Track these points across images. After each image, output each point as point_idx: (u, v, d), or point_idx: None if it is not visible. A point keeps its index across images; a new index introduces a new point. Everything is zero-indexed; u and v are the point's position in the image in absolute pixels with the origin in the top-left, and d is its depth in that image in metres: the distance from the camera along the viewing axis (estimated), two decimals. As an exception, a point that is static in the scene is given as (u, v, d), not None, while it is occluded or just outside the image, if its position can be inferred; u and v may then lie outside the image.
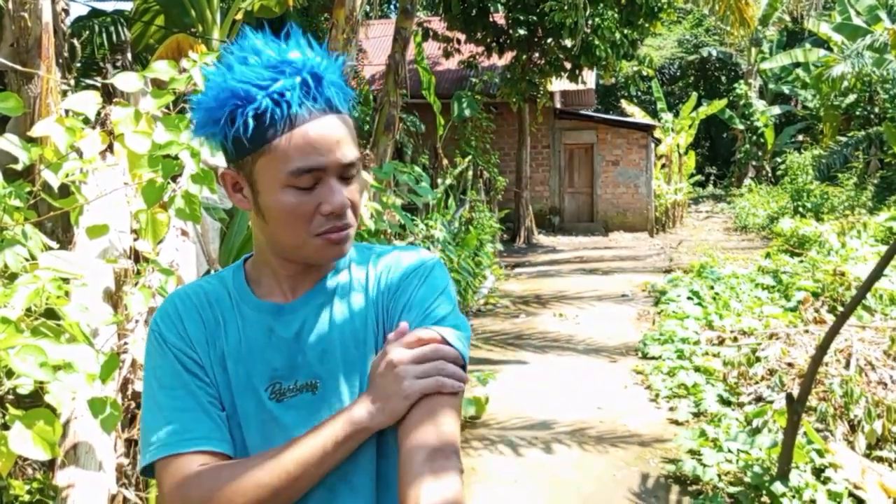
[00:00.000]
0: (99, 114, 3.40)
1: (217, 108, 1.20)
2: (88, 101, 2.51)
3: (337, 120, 1.22)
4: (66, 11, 4.13)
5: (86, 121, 2.64)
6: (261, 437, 1.26)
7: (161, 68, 2.51)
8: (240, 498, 1.16)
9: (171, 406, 1.24)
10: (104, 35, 9.17)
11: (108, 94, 3.85)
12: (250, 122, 1.18)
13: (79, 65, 9.06)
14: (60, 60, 3.96)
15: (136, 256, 3.10)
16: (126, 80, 2.55)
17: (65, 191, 2.95)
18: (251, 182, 1.24)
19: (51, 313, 2.20)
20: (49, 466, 2.68)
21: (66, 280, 2.23)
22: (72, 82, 4.17)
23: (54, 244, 2.93)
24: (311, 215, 1.22)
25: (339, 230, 1.24)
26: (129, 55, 4.69)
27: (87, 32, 9.07)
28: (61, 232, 3.38)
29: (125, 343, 2.86)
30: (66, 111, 2.63)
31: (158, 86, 2.66)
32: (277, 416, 1.26)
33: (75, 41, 3.86)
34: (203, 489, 1.18)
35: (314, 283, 1.33)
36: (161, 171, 2.41)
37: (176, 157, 2.41)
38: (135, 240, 3.02)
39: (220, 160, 2.50)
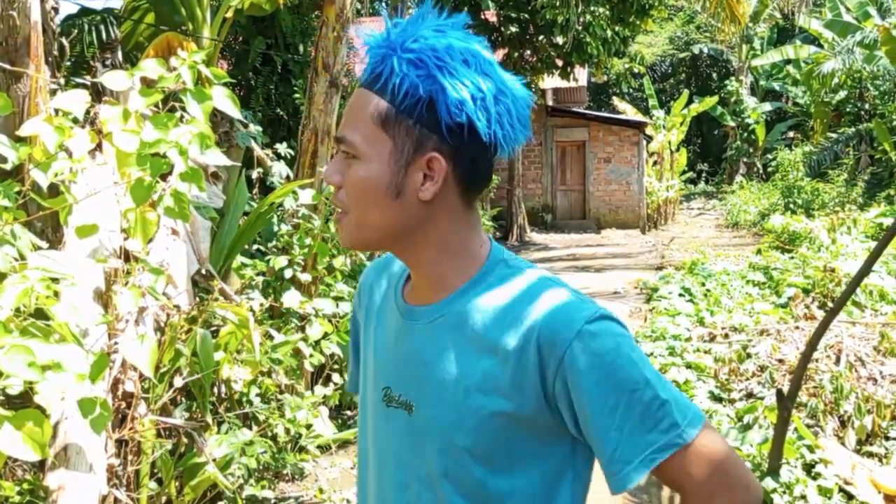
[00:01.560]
0: (88, 112, 3.39)
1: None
2: (77, 100, 2.50)
3: (362, 94, 1.16)
4: (56, 10, 4.11)
5: (75, 120, 2.63)
6: (372, 426, 1.28)
7: (150, 66, 2.50)
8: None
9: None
10: (94, 33, 9.13)
11: (98, 93, 3.84)
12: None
13: (68, 63, 9.01)
14: (50, 59, 3.94)
15: (127, 256, 3.09)
16: (115, 79, 2.54)
17: (54, 190, 2.94)
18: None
19: (40, 313, 2.19)
20: (39, 467, 2.67)
21: (55, 280, 2.22)
22: (61, 81, 4.15)
23: (44, 244, 2.92)
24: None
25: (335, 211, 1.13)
26: (119, 54, 4.67)
27: (77, 31, 9.02)
28: (51, 231, 3.37)
29: (115, 343, 2.86)
30: (56, 110, 2.62)
31: (148, 84, 2.65)
32: (384, 418, 1.25)
33: (64, 40, 3.84)
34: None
35: (438, 295, 1.20)
36: (149, 169, 2.40)
37: (164, 156, 2.40)
38: (125, 239, 3.01)
39: (208, 158, 2.50)
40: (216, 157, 2.53)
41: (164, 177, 2.59)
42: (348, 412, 5.60)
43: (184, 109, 2.53)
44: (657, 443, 1.10)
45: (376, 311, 1.31)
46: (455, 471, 1.16)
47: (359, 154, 1.13)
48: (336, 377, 5.12)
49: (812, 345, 3.94)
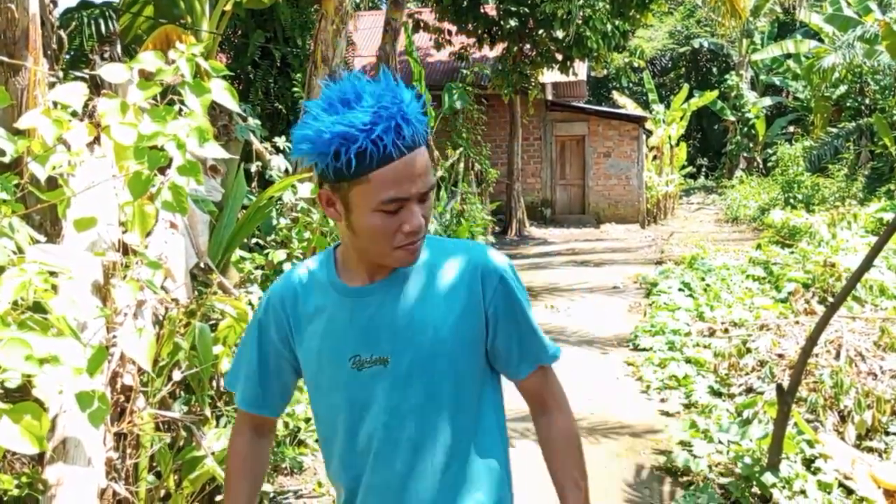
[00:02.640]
0: (86, 106, 3.37)
1: (324, 144, 1.41)
2: (75, 93, 2.49)
3: (419, 154, 1.45)
4: (55, 2, 4.09)
5: (74, 113, 2.62)
6: (347, 398, 1.58)
7: (148, 59, 2.49)
8: None
9: None
10: (93, 26, 9.10)
11: (97, 86, 3.82)
12: (353, 159, 1.40)
13: (67, 56, 8.98)
14: (48, 52, 3.93)
15: (125, 249, 3.08)
16: (113, 72, 2.53)
17: (52, 183, 2.93)
18: (346, 202, 1.48)
19: (38, 307, 2.18)
20: (38, 461, 2.67)
21: (53, 273, 2.22)
22: (60, 74, 4.14)
23: (42, 237, 2.91)
24: (394, 233, 1.47)
25: (414, 244, 1.50)
26: (118, 47, 4.66)
27: (75, 24, 9.00)
28: (49, 225, 3.36)
29: (114, 336, 2.85)
30: (54, 103, 2.61)
31: (146, 77, 2.64)
32: (359, 382, 1.57)
33: (62, 32, 3.82)
34: None
35: (388, 272, 1.58)
36: (147, 162, 2.39)
37: (162, 149, 2.39)
38: (123, 232, 3.00)
39: (207, 151, 2.49)
40: (214, 151, 2.51)
41: (162, 170, 2.59)
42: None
43: (182, 102, 2.53)
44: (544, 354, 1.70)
45: (310, 314, 1.62)
46: (437, 394, 1.56)
47: (433, 192, 1.52)
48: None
49: (812, 340, 3.93)
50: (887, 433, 4.61)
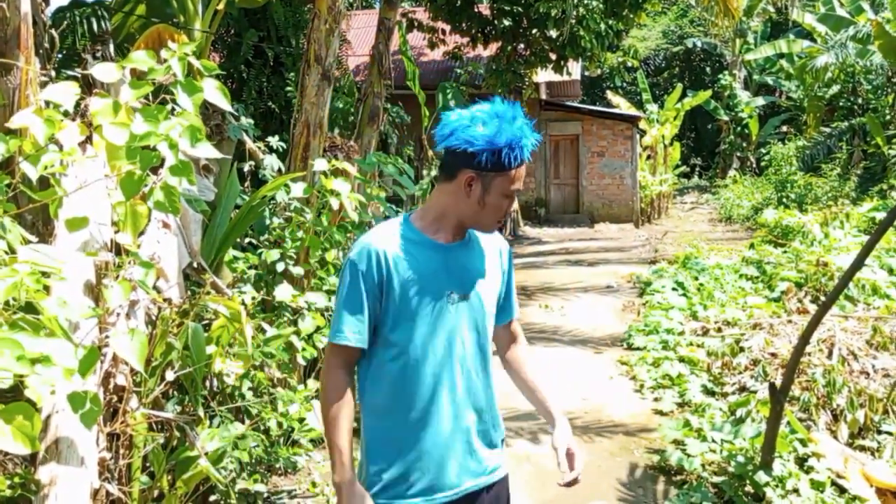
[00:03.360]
0: (78, 105, 3.36)
1: (498, 143, 2.05)
2: (67, 92, 2.48)
3: (524, 164, 2.15)
4: (46, 1, 4.08)
5: (66, 113, 2.61)
6: (443, 324, 2.18)
7: (140, 58, 2.48)
8: None
9: None
10: (85, 25, 9.07)
11: (89, 85, 3.81)
12: (514, 158, 2.08)
13: (59, 56, 8.94)
14: (40, 51, 3.91)
15: (118, 249, 3.07)
16: (104, 71, 2.52)
17: (44, 183, 2.91)
18: (486, 186, 2.11)
19: (30, 307, 2.17)
20: (31, 461, 2.66)
21: (45, 274, 2.21)
22: (52, 73, 4.13)
23: (33, 237, 2.90)
24: (497, 211, 2.16)
25: (501, 220, 2.22)
26: (111, 46, 4.65)
27: (67, 23, 8.97)
28: (41, 225, 3.35)
29: (106, 336, 2.84)
30: (46, 102, 2.60)
31: (138, 76, 2.63)
32: (448, 312, 2.18)
33: (54, 31, 3.81)
34: None
35: (463, 236, 2.25)
36: (140, 162, 2.39)
37: (154, 149, 2.39)
38: (115, 232, 2.99)
39: (199, 151, 2.48)
40: (207, 151, 2.51)
41: (154, 169, 2.58)
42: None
43: (174, 101, 2.52)
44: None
45: (405, 261, 2.15)
46: (485, 323, 2.28)
47: None
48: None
49: (804, 338, 3.94)
50: (879, 432, 4.63)
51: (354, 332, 2.15)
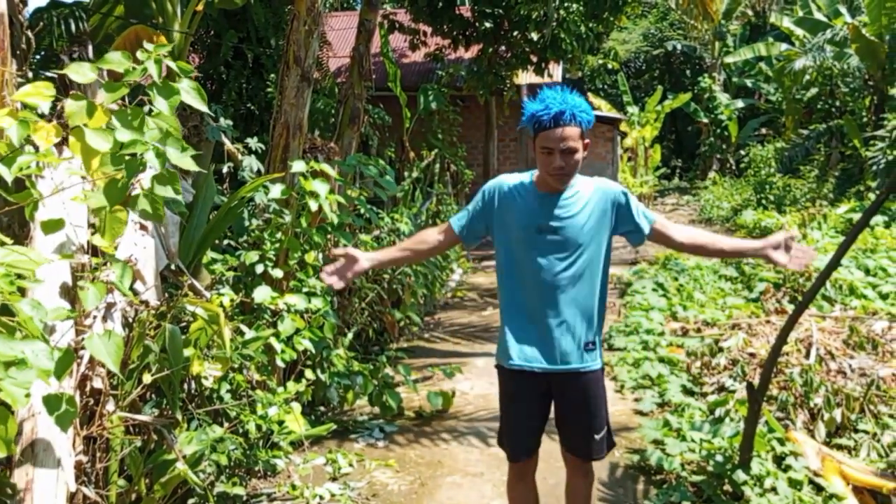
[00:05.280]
0: (55, 106, 3.33)
1: (528, 117, 2.90)
2: (42, 94, 2.46)
3: (566, 128, 2.84)
4: (24, 2, 4.04)
5: (42, 114, 2.58)
6: (528, 249, 2.99)
7: (115, 60, 2.47)
8: None
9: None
10: (63, 26, 9.00)
11: (66, 87, 3.78)
12: (535, 125, 2.88)
13: (37, 57, 8.87)
14: (17, 52, 3.87)
15: (94, 251, 3.05)
16: (79, 72, 2.51)
17: (20, 185, 2.89)
18: (535, 145, 2.91)
19: (5, 309, 2.16)
20: (6, 464, 2.63)
21: (20, 276, 2.19)
22: (29, 74, 4.09)
23: (9, 240, 2.87)
24: (546, 166, 2.89)
25: (557, 175, 2.89)
26: (89, 47, 4.60)
27: (43, 23, 8.89)
28: (17, 227, 3.32)
29: (82, 339, 2.82)
30: (22, 104, 2.57)
31: (115, 78, 2.62)
32: (538, 241, 2.97)
33: (30, 33, 3.77)
34: None
35: (562, 188, 2.97)
36: (125, 170, 2.38)
37: (141, 156, 2.38)
38: (92, 234, 2.97)
39: (181, 162, 2.47)
40: (188, 163, 2.49)
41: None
42: (321, 408, 5.58)
43: (150, 101, 2.50)
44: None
45: (515, 198, 3.03)
46: (575, 255, 2.98)
47: (575, 152, 2.90)
48: (308, 373, 5.09)
49: (781, 338, 3.97)
50: (856, 430, 4.67)
51: (462, 226, 3.17)
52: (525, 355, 3.03)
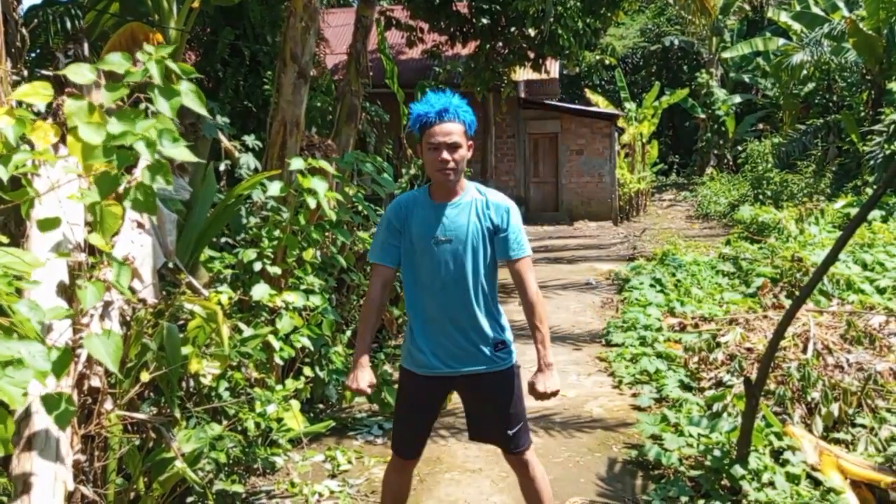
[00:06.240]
0: (51, 105, 3.33)
1: (414, 118, 3.07)
2: (39, 93, 2.45)
3: (449, 124, 3.02)
4: (19, 0, 4.04)
5: (38, 112, 2.58)
6: (427, 258, 3.09)
7: (115, 61, 2.46)
8: None
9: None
10: (58, 24, 8.97)
11: (61, 85, 3.77)
12: (420, 125, 3.05)
13: (33, 55, 8.84)
14: (12, 50, 3.87)
15: (91, 249, 3.05)
16: (78, 72, 2.50)
17: (16, 183, 2.89)
18: (422, 146, 3.06)
19: (2, 310, 2.15)
20: (4, 464, 2.63)
21: (18, 277, 2.19)
22: (24, 72, 4.08)
23: (5, 239, 2.87)
24: (433, 162, 3.02)
25: (443, 171, 3.02)
26: (84, 45, 4.60)
27: (38, 20, 8.86)
28: (13, 226, 3.31)
29: (80, 338, 2.82)
30: (18, 102, 2.57)
31: (113, 77, 2.61)
32: (434, 251, 3.08)
33: (24, 30, 3.77)
34: None
35: (453, 197, 3.11)
36: (116, 161, 2.37)
37: (130, 148, 2.37)
38: (89, 232, 2.96)
39: (175, 153, 2.46)
40: (183, 153, 2.49)
41: (128, 169, 2.56)
42: (320, 405, 5.58)
43: (148, 101, 2.50)
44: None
45: (414, 213, 3.12)
46: (466, 259, 3.09)
47: (460, 147, 3.05)
48: (307, 370, 5.10)
49: (779, 333, 3.98)
50: (854, 425, 4.68)
51: (385, 255, 3.20)
52: (428, 361, 3.14)
